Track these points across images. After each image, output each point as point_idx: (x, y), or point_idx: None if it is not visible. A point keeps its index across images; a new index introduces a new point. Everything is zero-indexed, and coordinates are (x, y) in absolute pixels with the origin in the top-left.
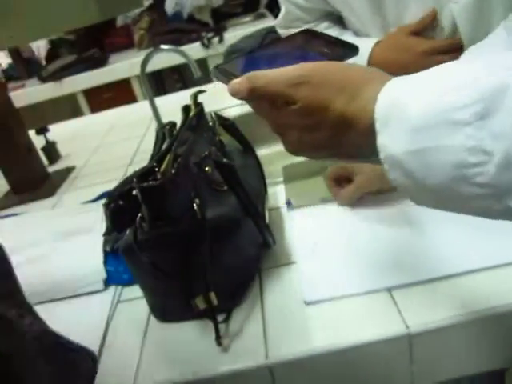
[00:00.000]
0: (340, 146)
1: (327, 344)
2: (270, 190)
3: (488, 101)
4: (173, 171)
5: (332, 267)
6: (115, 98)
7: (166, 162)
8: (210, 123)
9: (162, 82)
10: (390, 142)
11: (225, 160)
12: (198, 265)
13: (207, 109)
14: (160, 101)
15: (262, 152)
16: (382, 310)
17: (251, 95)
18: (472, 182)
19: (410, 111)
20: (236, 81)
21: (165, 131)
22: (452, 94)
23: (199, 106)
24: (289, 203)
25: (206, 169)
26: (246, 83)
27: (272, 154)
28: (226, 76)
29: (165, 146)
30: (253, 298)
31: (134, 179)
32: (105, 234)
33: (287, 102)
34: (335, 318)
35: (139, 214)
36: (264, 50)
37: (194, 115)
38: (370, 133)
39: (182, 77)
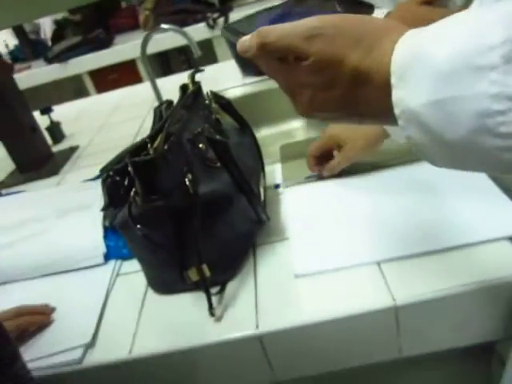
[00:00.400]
0: (356, 105)
1: (315, 315)
2: (269, 168)
3: None
4: (165, 147)
5: (322, 242)
6: (120, 79)
7: (158, 139)
8: (207, 102)
9: (167, 63)
10: (407, 94)
11: (218, 137)
12: (191, 238)
13: (210, 89)
14: (163, 81)
15: (262, 133)
16: (370, 283)
17: (261, 51)
18: (495, 133)
19: (431, 57)
20: (245, 37)
21: (162, 109)
22: (478, 36)
23: (196, 84)
24: (277, 186)
25: (200, 145)
26: (256, 38)
27: (272, 134)
28: (235, 35)
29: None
30: (246, 271)
31: (127, 154)
32: (103, 210)
33: (299, 58)
34: (324, 290)
35: (133, 189)
36: (276, 10)
37: (191, 94)
38: (387, 88)
39: (188, 58)
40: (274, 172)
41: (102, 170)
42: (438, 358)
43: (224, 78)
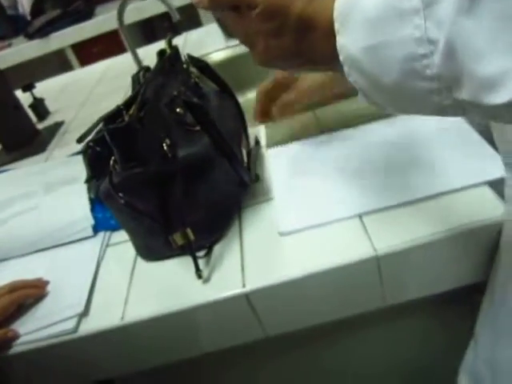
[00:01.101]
0: (306, 52)
1: (300, 270)
2: (253, 131)
3: None
4: (141, 113)
5: (306, 199)
6: (104, 51)
7: (134, 105)
8: (185, 66)
9: (152, 31)
10: (349, 40)
11: (195, 100)
12: (174, 203)
13: (193, 53)
14: (146, 49)
15: (248, 96)
16: (352, 236)
17: (212, 2)
18: (422, 76)
19: (362, 4)
20: None
21: (139, 76)
22: None
23: (173, 49)
24: (257, 142)
25: (178, 110)
26: None
27: (255, 99)
28: None
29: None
30: (232, 234)
31: (102, 122)
32: (86, 182)
33: (249, 6)
34: (309, 246)
35: (112, 158)
36: None
37: (167, 58)
38: (331, 34)
39: (172, 24)
40: (259, 133)
41: (78, 141)
42: (420, 306)
43: (208, 42)
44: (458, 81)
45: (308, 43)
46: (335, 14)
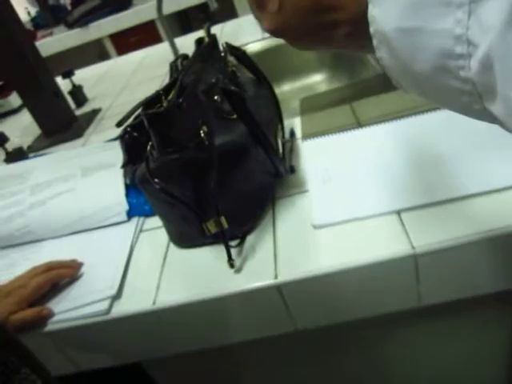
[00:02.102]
0: (329, 13)
1: (334, 265)
2: (290, 122)
3: None
4: (180, 99)
5: (342, 192)
6: (141, 41)
7: (173, 91)
8: (222, 54)
9: (188, 22)
10: (381, 14)
11: (232, 87)
12: (209, 190)
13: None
14: (182, 39)
15: (283, 88)
16: (389, 232)
17: None
18: (455, 75)
19: None
20: None
21: (177, 64)
22: None
23: (212, 37)
24: (292, 134)
25: (215, 97)
26: None
27: (293, 89)
28: None
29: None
30: (266, 224)
31: (141, 107)
32: (122, 167)
33: None
34: (343, 240)
35: (150, 143)
36: None
37: (205, 46)
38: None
39: (208, 15)
40: (294, 125)
41: (118, 125)
42: (457, 308)
43: (244, 33)
44: (491, 94)
45: (332, 0)
46: None
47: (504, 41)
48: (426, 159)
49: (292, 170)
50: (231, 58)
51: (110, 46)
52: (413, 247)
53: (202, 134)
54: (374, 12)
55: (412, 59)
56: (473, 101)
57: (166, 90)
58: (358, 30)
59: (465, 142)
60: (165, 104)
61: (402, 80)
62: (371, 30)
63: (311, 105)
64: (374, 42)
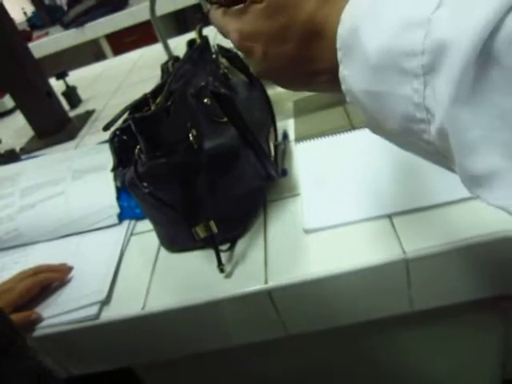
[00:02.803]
0: (309, 62)
1: (325, 269)
2: (282, 124)
3: (435, 53)
4: (168, 102)
5: (333, 196)
6: (138, 41)
7: (161, 95)
8: (214, 56)
9: (184, 22)
10: (350, 76)
11: (222, 90)
12: (198, 194)
13: (224, 45)
14: (177, 40)
15: (277, 89)
16: (381, 237)
17: None
18: (419, 138)
19: (364, 42)
20: None
21: (168, 66)
22: (408, 32)
23: (203, 39)
24: (285, 136)
25: (205, 100)
26: None
27: (287, 91)
28: None
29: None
30: (257, 228)
31: (128, 111)
32: (112, 170)
33: (255, 0)
34: (334, 245)
35: (137, 147)
36: None
37: (196, 48)
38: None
39: (205, 15)
40: (287, 128)
41: (104, 128)
42: (448, 313)
43: None
44: (452, 159)
45: (312, 52)
46: (338, 44)
47: (451, 118)
48: (418, 163)
49: (284, 173)
50: (223, 60)
51: (106, 47)
52: (404, 252)
53: (191, 138)
54: (344, 72)
55: (382, 119)
56: (440, 159)
57: (155, 93)
58: (338, 78)
59: None
60: (153, 107)
61: (377, 133)
62: (343, 88)
63: (305, 107)
64: (347, 98)
